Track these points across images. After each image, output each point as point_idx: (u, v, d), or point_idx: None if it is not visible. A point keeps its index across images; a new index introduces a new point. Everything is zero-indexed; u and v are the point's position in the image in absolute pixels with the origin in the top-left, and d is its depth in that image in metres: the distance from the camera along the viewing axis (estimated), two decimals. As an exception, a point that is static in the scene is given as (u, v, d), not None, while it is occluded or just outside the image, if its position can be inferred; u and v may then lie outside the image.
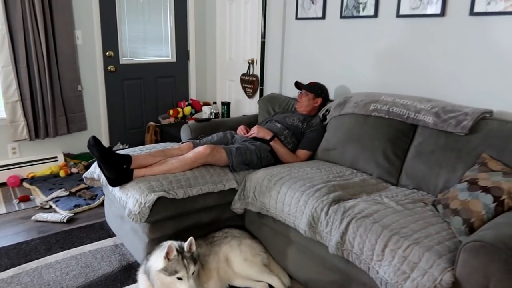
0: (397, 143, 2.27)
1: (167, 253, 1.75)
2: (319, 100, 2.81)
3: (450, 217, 1.68)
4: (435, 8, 2.35)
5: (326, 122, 2.70)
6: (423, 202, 1.91)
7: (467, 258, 1.37)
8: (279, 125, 2.70)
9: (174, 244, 1.83)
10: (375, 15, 2.68)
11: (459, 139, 2.05)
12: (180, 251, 1.79)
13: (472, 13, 2.19)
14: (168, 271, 1.75)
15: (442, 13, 2.32)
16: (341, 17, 2.90)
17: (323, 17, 3.04)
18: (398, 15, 2.54)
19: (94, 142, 2.16)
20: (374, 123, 2.37)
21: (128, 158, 2.22)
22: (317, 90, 2.80)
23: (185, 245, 1.82)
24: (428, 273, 1.44)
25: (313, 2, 3.09)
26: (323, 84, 2.87)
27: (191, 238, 1.84)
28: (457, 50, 2.30)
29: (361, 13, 2.76)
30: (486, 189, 1.65)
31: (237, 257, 2.08)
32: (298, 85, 2.86)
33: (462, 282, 1.38)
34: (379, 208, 1.80)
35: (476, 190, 1.68)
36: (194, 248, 1.84)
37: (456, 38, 2.30)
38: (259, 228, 2.34)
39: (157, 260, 1.80)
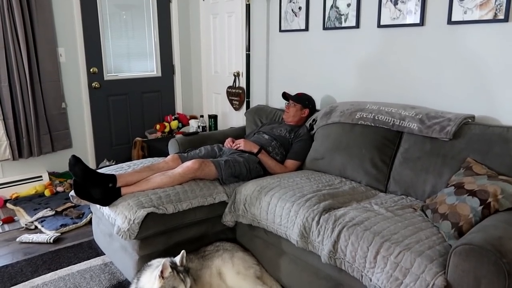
0: (384, 150, 2.30)
1: (162, 272, 1.73)
2: (307, 111, 2.84)
3: (439, 221, 1.70)
4: (415, 18, 2.41)
5: (313, 131, 2.73)
6: (412, 208, 1.94)
7: (457, 262, 1.38)
8: (266, 137, 2.71)
9: (168, 261, 1.81)
10: (357, 26, 2.74)
11: (443, 144, 2.09)
12: (174, 266, 1.77)
13: (450, 22, 2.26)
14: None
15: (422, 23, 2.39)
16: (324, 28, 2.95)
17: (306, 29, 3.09)
18: (379, 26, 2.60)
19: (75, 160, 2.12)
20: (361, 131, 2.40)
21: (112, 176, 2.19)
22: (305, 101, 2.83)
23: (177, 259, 1.79)
24: (420, 278, 1.45)
25: (296, 15, 3.15)
26: (310, 95, 2.90)
27: (183, 251, 1.83)
28: (437, 57, 2.37)
29: (343, 24, 2.82)
30: (472, 193, 1.68)
31: (230, 271, 2.06)
32: (285, 95, 2.88)
33: (454, 285, 1.39)
34: (370, 215, 1.82)
35: (463, 194, 1.71)
36: (185, 261, 1.83)
37: (436, 46, 2.36)
38: (250, 240, 2.33)
39: (150, 280, 1.77)
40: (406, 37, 2.49)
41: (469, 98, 2.26)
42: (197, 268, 2.05)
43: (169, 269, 1.74)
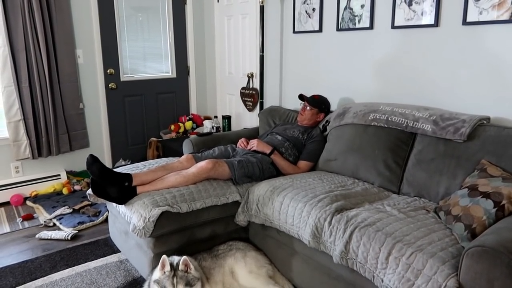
0: (397, 152, 2.30)
1: (161, 265, 1.78)
2: (322, 115, 2.84)
3: (452, 223, 1.69)
4: (429, 19, 2.40)
5: (326, 133, 2.73)
6: (425, 210, 1.93)
7: (470, 264, 1.38)
8: (279, 138, 2.73)
9: (173, 258, 1.86)
10: (371, 27, 2.74)
11: (458, 146, 2.08)
12: (175, 268, 1.80)
13: (465, 22, 2.24)
14: (160, 284, 1.77)
15: (436, 24, 2.38)
16: (338, 29, 2.96)
17: (320, 30, 3.10)
18: (393, 26, 2.60)
19: (93, 160, 2.18)
20: (374, 133, 2.40)
21: (128, 176, 2.24)
22: (321, 105, 2.83)
23: (180, 263, 1.82)
24: (432, 280, 1.45)
25: (309, 16, 3.16)
26: (325, 97, 2.89)
27: (184, 257, 1.83)
28: (452, 59, 2.35)
29: (357, 25, 2.81)
30: (486, 195, 1.67)
31: (242, 270, 2.09)
32: (302, 97, 2.88)
33: (466, 287, 1.39)
34: (382, 216, 1.82)
35: (477, 196, 1.70)
36: (191, 269, 1.83)
37: (451, 48, 2.35)
38: (263, 240, 2.35)
39: (156, 272, 1.84)
40: (421, 38, 2.48)
41: (484, 100, 2.24)
42: (210, 267, 2.08)
43: (168, 267, 1.79)
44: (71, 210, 3.16)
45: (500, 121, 2.17)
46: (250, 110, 3.95)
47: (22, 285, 2.23)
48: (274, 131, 2.87)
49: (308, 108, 2.81)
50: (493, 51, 2.17)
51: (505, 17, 2.08)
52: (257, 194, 2.25)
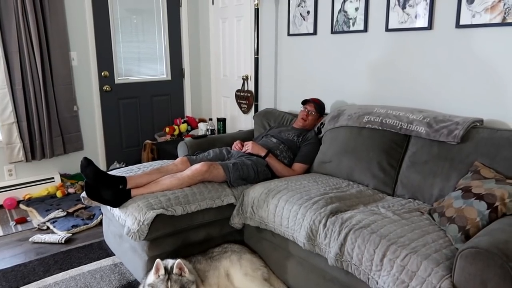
0: (392, 154, 2.31)
1: (156, 269, 1.78)
2: (321, 119, 2.87)
3: (446, 225, 1.70)
4: (423, 22, 2.42)
5: (321, 135, 2.74)
6: (419, 211, 1.94)
7: (464, 265, 1.39)
8: (274, 140, 2.73)
9: (167, 261, 1.85)
10: (365, 29, 2.75)
11: (451, 148, 2.09)
12: (169, 271, 1.80)
13: (458, 25, 2.26)
14: None
15: (430, 26, 2.39)
16: (332, 32, 2.97)
17: (315, 32, 3.11)
18: (387, 29, 2.61)
19: (87, 162, 2.17)
20: (368, 135, 2.41)
21: (122, 178, 2.23)
22: (322, 110, 2.89)
23: (174, 266, 1.82)
24: (426, 281, 1.46)
25: (304, 19, 3.17)
26: (321, 100, 2.93)
27: (178, 261, 1.83)
28: (445, 61, 2.37)
29: (351, 28, 2.83)
30: (479, 196, 1.68)
31: (238, 272, 2.09)
32: (306, 101, 2.89)
33: (460, 289, 1.40)
34: (376, 218, 1.83)
35: (470, 197, 1.71)
36: (186, 272, 1.83)
37: (444, 50, 2.37)
38: (258, 242, 2.34)
39: (150, 276, 1.83)
40: (414, 41, 2.50)
41: (478, 102, 2.26)
42: (205, 269, 2.08)
43: (162, 270, 1.78)
44: (65, 213, 3.14)
45: (493, 123, 2.19)
46: (245, 112, 3.96)
47: (15, 289, 2.22)
48: (269, 133, 2.87)
49: (313, 113, 2.83)
50: (486, 54, 2.19)
51: (498, 20, 2.10)
52: (252, 197, 2.25)
